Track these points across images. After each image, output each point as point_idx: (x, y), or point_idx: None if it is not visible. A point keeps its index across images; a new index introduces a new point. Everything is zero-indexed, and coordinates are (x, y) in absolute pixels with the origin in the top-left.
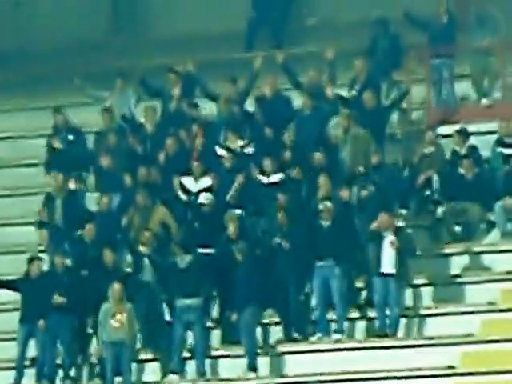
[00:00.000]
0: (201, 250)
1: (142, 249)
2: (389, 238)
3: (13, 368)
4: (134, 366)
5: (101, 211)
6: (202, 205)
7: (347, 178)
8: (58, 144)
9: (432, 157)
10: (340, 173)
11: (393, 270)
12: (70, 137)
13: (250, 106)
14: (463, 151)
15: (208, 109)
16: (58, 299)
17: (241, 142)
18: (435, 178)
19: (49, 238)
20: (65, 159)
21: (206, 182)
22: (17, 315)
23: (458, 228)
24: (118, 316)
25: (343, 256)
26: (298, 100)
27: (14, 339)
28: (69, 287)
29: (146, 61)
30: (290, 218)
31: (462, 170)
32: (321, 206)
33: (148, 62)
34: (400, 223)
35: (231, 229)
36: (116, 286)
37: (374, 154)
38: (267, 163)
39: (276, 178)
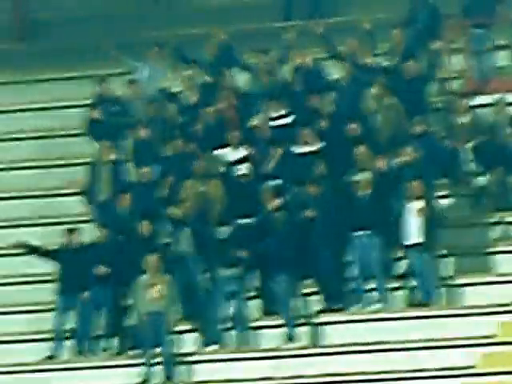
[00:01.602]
0: (240, 221)
1: (181, 219)
2: (417, 207)
3: (52, 339)
4: (172, 337)
5: (140, 182)
6: (240, 175)
7: (381, 148)
8: (99, 114)
9: (470, 125)
10: (376, 143)
11: (420, 240)
12: (113, 107)
13: (287, 76)
14: (504, 120)
15: (244, 79)
16: (100, 270)
17: (280, 112)
18: (474, 147)
19: (92, 209)
20: (107, 129)
21: (243, 152)
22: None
23: (496, 197)
24: (155, 287)
25: (382, 226)
26: (336, 70)
27: (52, 310)
28: (109, 258)
29: (182, 31)
30: (328, 187)
31: (507, 140)
32: (359, 177)
33: (184, 31)
34: (437, 193)
35: (269, 199)
36: (152, 258)
37: (417, 124)
38: (305, 133)
39: (314, 147)
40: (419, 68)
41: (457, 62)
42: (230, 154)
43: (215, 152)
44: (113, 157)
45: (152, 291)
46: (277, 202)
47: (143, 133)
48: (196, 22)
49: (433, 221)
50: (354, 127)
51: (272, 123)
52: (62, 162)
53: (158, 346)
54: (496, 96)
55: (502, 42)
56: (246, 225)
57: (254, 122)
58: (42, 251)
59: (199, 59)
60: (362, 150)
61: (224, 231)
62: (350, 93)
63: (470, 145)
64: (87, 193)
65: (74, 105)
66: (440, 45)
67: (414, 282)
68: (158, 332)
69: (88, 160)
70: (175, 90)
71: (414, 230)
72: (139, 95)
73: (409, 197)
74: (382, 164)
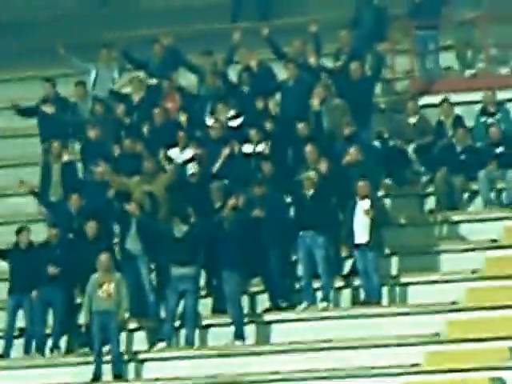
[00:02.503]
0: (190, 220)
1: (130, 218)
2: (363, 207)
3: (1, 338)
4: (122, 335)
5: (89, 181)
6: (189, 175)
7: (325, 149)
8: (48, 114)
9: (416, 126)
10: (322, 143)
11: (366, 239)
12: (59, 107)
13: (234, 77)
14: (449, 121)
15: (190, 80)
16: (52, 270)
17: (228, 113)
18: (419, 147)
19: (44, 209)
20: (55, 129)
21: (190, 152)
22: (4, 286)
23: (442, 197)
24: (105, 286)
25: (326, 226)
26: (282, 71)
27: (1, 309)
28: (60, 258)
29: (130, 32)
30: (275, 187)
31: (451, 140)
32: (303, 176)
33: (133, 33)
34: (382, 192)
35: (217, 199)
36: (103, 257)
37: (346, 126)
38: (252, 133)
39: (261, 148)
40: (365, 69)
41: (402, 62)
42: (177, 154)
43: (163, 152)
44: (66, 156)
45: (102, 290)
46: (225, 201)
47: (92, 133)
48: (143, 23)
49: (378, 220)
50: (300, 127)
51: (220, 124)
52: (15, 162)
53: (107, 343)
54: (441, 96)
55: (448, 43)
56: (196, 224)
57: (202, 122)
58: None
59: (147, 61)
60: (308, 149)
61: (174, 230)
62: (296, 93)
63: (414, 145)
64: (39, 193)
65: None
66: (385, 46)
67: (359, 281)
68: (107, 330)
69: (39, 160)
70: (123, 90)
71: (359, 229)
72: (88, 96)
73: (355, 196)
74: (325, 165)
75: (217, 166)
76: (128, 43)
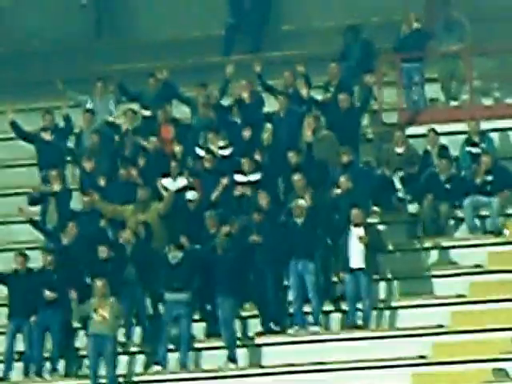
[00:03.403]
0: (185, 247)
1: (126, 245)
2: (358, 234)
3: (1, 362)
4: (119, 358)
5: (83, 210)
6: (185, 203)
7: (316, 179)
8: (45, 143)
9: (403, 156)
10: (311, 172)
11: (361, 265)
12: (57, 137)
13: (226, 108)
14: (435, 150)
15: (183, 112)
16: (49, 295)
17: (220, 144)
18: (406, 176)
19: (42, 235)
20: (53, 157)
21: (183, 181)
22: (4, 310)
23: (428, 224)
24: (100, 311)
25: (316, 252)
26: (273, 102)
27: (1, 333)
28: (58, 283)
29: (125, 65)
30: (267, 215)
31: (437, 169)
32: (294, 204)
33: (128, 66)
34: (372, 220)
35: (212, 226)
36: (98, 282)
37: (344, 154)
38: (245, 163)
39: (254, 177)
40: (353, 100)
41: (389, 94)
42: (170, 182)
43: (157, 181)
44: (61, 185)
45: (97, 314)
46: (220, 229)
47: (88, 163)
48: (139, 56)
49: (373, 246)
50: (291, 156)
51: (212, 154)
52: (13, 191)
53: (102, 367)
54: (427, 127)
55: (433, 75)
56: (190, 250)
57: (195, 153)
58: None
59: (141, 93)
60: (296, 178)
61: (175, 256)
62: (286, 124)
63: (401, 173)
64: (37, 220)
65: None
66: (373, 78)
67: (351, 305)
68: (103, 354)
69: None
70: (118, 122)
71: (354, 255)
72: (84, 127)
73: (347, 223)
74: (311, 194)
75: (215, 195)
76: (123, 76)
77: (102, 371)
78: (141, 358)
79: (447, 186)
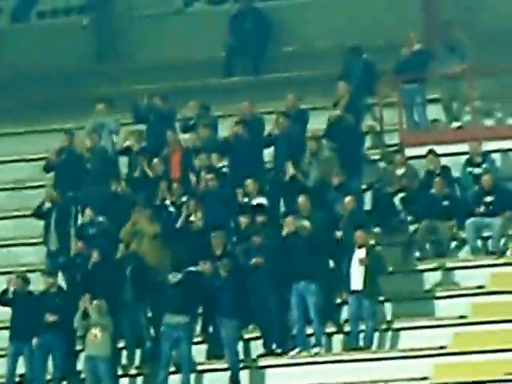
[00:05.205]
0: (189, 268)
1: (125, 266)
2: (358, 256)
3: None
4: (120, 381)
5: (92, 232)
6: (186, 225)
7: (316, 200)
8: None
9: (404, 177)
10: (314, 193)
11: (361, 287)
12: (71, 158)
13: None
14: (437, 171)
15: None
16: (50, 317)
17: (222, 163)
18: (408, 197)
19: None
20: (63, 179)
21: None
22: (6, 333)
23: (430, 245)
24: (93, 330)
25: (318, 274)
26: (274, 123)
27: (3, 356)
28: (59, 305)
29: (128, 87)
30: (270, 237)
31: (433, 190)
32: (296, 226)
33: (130, 88)
34: (373, 241)
35: (216, 248)
36: (95, 303)
37: (337, 176)
38: (250, 185)
39: (260, 200)
40: (355, 121)
41: (391, 115)
42: (172, 205)
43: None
44: (66, 205)
45: (90, 334)
46: (222, 250)
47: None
48: (141, 78)
49: (375, 269)
50: (293, 176)
51: (217, 173)
52: (18, 214)
53: None
54: (428, 148)
55: (434, 96)
56: (195, 272)
57: (198, 174)
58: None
59: (147, 114)
60: (301, 200)
61: (175, 278)
62: (288, 145)
63: (402, 195)
64: (43, 242)
65: (34, 158)
66: (374, 99)
67: (353, 327)
68: (98, 375)
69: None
70: (125, 143)
71: (356, 276)
72: (93, 148)
73: (351, 245)
74: (306, 225)
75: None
76: (126, 98)
77: None
78: (141, 381)
79: (447, 206)
